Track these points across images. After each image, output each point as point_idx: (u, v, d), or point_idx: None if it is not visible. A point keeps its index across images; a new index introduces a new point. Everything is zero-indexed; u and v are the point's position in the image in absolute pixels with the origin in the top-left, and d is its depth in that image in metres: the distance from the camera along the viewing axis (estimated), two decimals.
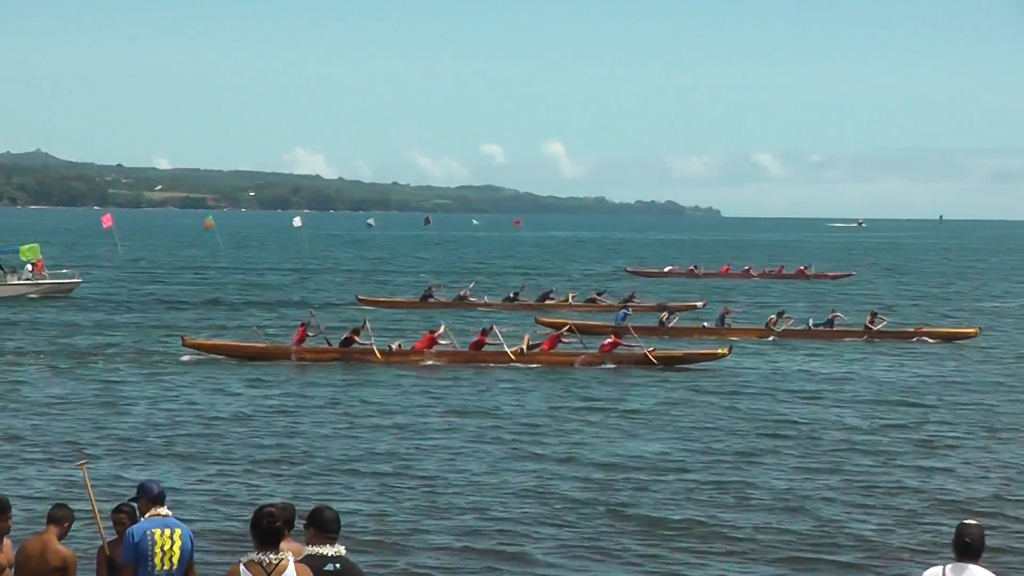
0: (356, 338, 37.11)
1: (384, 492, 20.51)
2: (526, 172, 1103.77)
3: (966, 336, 44.87)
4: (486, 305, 56.16)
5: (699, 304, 56.60)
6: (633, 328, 41.13)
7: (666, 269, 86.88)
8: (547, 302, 56.29)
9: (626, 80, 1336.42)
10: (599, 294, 58.73)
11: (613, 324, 43.41)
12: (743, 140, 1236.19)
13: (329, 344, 37.55)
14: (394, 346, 37.19)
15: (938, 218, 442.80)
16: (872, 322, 45.82)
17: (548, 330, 41.84)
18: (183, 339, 38.07)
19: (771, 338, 44.40)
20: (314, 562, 8.38)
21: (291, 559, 8.22)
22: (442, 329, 38.11)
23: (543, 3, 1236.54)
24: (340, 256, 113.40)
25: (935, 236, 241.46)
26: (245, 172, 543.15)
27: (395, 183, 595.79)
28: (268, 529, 8.22)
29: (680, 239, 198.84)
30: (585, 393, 31.85)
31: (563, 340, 38.05)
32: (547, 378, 34.49)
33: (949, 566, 8.59)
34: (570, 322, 42.93)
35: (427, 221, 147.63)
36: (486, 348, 37.06)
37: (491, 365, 36.21)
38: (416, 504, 19.68)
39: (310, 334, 37.41)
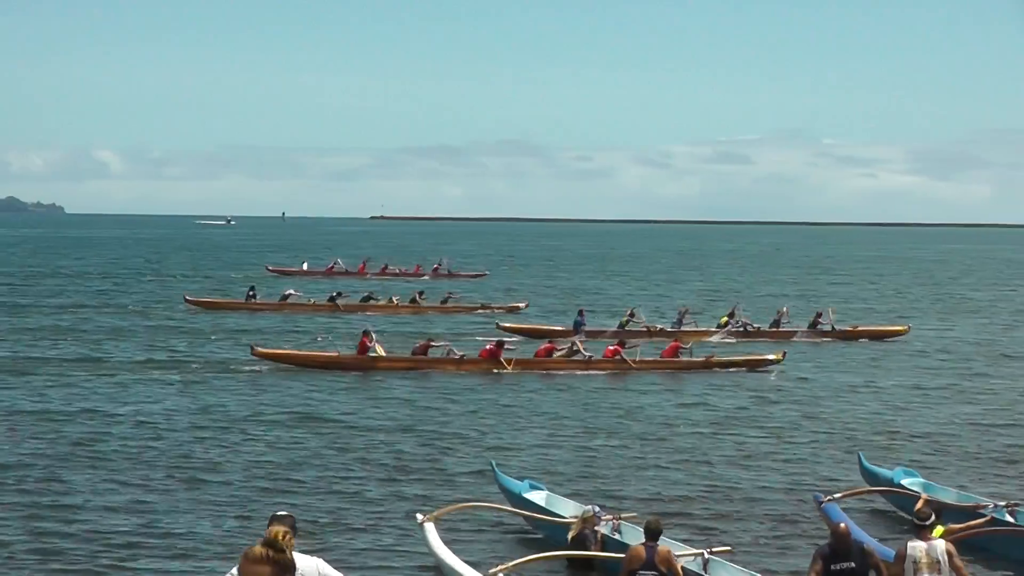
0: (432, 344, 36.83)
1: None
2: None
3: (897, 334, 46.56)
4: (314, 307, 55.64)
5: (521, 305, 57.41)
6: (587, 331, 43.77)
7: (304, 267, 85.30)
8: (369, 303, 56.60)
9: None
10: (420, 294, 58.52)
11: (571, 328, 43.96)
12: (83, 135, 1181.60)
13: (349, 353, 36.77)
14: (458, 353, 36.49)
15: (281, 215, 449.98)
16: (817, 322, 46.93)
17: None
18: (252, 348, 36.13)
19: (733, 340, 45.05)
20: None
21: None
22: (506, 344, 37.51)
23: None
24: None
25: (281, 232, 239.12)
26: None
27: None
28: None
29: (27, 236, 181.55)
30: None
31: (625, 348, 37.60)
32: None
33: None
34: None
35: None
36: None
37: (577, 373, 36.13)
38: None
39: (368, 343, 36.42)
